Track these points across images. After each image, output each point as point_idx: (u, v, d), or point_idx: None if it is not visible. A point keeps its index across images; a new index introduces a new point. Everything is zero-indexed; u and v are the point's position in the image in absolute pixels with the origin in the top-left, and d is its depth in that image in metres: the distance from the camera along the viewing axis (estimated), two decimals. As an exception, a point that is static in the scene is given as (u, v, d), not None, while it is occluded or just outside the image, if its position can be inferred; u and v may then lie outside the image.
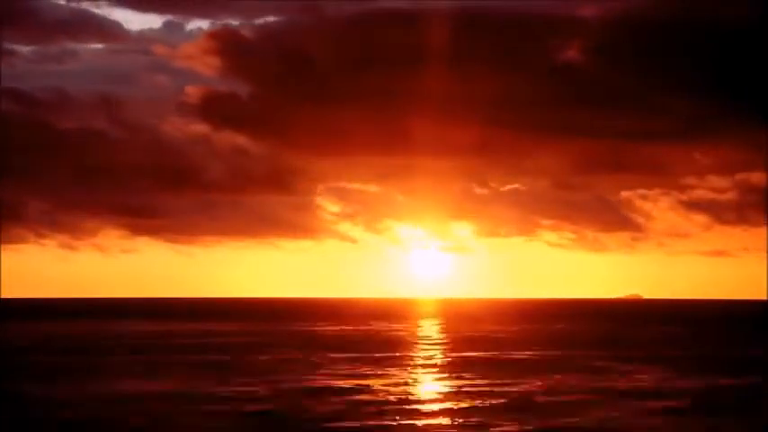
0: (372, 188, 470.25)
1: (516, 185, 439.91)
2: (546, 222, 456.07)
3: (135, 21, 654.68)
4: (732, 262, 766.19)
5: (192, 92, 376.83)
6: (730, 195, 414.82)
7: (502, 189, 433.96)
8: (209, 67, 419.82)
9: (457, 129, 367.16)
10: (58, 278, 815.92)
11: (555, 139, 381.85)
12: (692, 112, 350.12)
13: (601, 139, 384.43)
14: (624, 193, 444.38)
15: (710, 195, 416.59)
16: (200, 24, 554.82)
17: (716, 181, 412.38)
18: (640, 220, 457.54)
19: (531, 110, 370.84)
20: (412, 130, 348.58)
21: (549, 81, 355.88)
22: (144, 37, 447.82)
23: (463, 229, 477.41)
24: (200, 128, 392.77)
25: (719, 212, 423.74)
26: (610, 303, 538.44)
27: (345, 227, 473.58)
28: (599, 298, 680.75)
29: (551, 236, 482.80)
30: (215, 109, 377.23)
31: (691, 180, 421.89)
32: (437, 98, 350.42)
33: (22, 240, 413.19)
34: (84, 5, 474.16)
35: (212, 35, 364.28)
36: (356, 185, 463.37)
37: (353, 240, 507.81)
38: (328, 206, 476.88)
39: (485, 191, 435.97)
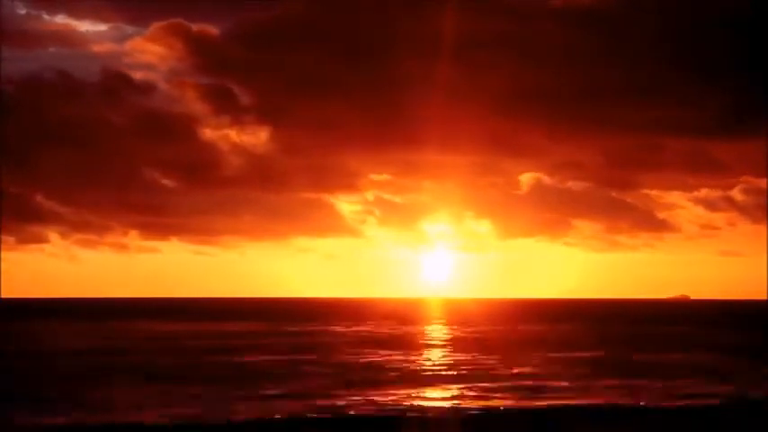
0: (391, 185, 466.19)
1: (539, 183, 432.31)
2: (571, 221, 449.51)
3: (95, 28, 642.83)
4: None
5: (186, 87, 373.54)
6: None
7: (524, 186, 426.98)
8: (183, 60, 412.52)
9: (478, 123, 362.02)
10: (77, 278, 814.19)
11: (578, 134, 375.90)
12: (722, 105, 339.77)
13: (628, 134, 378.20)
14: (654, 192, 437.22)
15: (743, 194, 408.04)
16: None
17: (750, 179, 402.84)
18: (671, 218, 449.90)
19: (553, 103, 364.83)
20: (431, 125, 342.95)
21: (571, 71, 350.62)
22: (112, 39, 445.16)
23: (485, 228, 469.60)
24: (203, 125, 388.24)
25: (751, 211, 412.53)
26: (663, 304, 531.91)
27: (362, 225, 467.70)
28: (646, 298, 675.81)
29: (577, 235, 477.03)
30: (215, 103, 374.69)
31: (724, 178, 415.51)
32: (458, 91, 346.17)
33: (42, 240, 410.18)
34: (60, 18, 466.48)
35: (177, 30, 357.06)
36: (375, 183, 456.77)
37: (371, 239, 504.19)
38: (345, 204, 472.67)
39: (507, 188, 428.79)
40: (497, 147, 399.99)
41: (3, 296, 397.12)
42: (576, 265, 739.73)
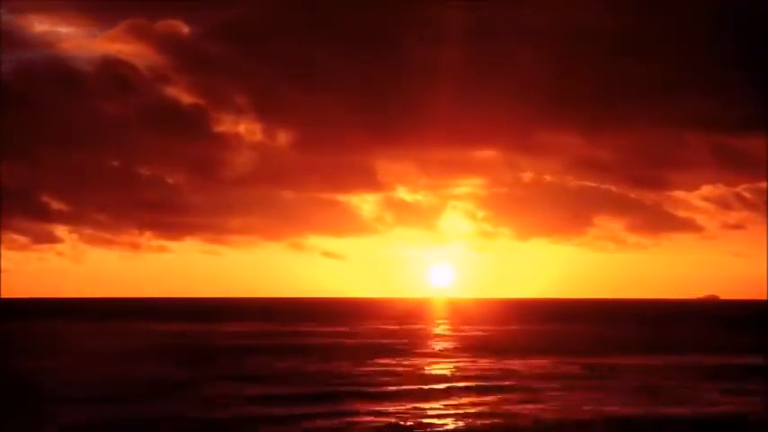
0: (404, 184, 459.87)
1: (553, 181, 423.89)
2: (587, 221, 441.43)
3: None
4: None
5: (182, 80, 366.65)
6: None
7: (538, 185, 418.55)
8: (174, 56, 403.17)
9: (495, 119, 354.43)
10: (90, 278, 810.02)
11: (592, 132, 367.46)
12: (745, 100, 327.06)
13: (645, 131, 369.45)
14: (668, 191, 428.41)
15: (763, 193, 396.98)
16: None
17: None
18: (691, 217, 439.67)
19: (565, 100, 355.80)
20: (445, 122, 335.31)
21: (585, 66, 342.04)
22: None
23: (504, 228, 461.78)
24: (204, 123, 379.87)
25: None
26: (697, 304, 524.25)
27: (375, 225, 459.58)
28: (675, 299, 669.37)
29: (593, 234, 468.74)
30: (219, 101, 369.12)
31: (743, 175, 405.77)
32: (471, 87, 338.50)
33: (56, 240, 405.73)
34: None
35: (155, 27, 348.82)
36: (388, 182, 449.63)
37: (385, 239, 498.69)
38: (358, 204, 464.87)
39: (522, 187, 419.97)
40: (519, 143, 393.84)
41: (18, 296, 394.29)
42: (594, 265, 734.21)
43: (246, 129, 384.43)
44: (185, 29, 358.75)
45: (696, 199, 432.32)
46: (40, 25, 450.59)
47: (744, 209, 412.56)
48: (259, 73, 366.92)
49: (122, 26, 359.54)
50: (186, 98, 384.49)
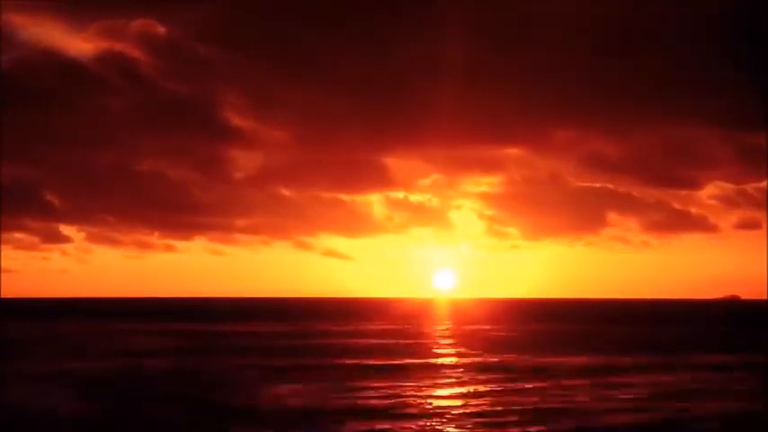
0: (413, 184, 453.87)
1: (564, 181, 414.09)
2: (607, 219, 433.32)
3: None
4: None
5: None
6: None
7: (549, 184, 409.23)
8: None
9: (505, 117, 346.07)
10: (100, 278, 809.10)
11: (611, 130, 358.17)
12: (757, 97, 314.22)
13: (657, 129, 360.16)
14: (676, 189, 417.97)
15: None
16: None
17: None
18: (704, 216, 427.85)
19: (572, 97, 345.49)
20: (456, 121, 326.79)
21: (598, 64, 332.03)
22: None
23: (514, 228, 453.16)
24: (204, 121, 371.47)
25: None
26: (723, 305, 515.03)
27: (383, 224, 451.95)
28: (698, 299, 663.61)
29: (612, 234, 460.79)
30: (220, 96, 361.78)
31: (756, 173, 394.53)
32: (480, 86, 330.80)
33: (65, 240, 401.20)
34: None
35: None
36: (396, 182, 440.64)
37: (393, 238, 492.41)
38: (368, 203, 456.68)
39: (536, 186, 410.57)
40: (522, 144, 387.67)
41: (29, 296, 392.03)
42: (607, 265, 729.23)
43: (255, 128, 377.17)
44: (179, 27, 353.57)
45: (708, 198, 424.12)
46: (33, 26, 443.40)
47: (756, 207, 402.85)
48: (266, 72, 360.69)
49: (103, 25, 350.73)
50: (193, 96, 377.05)
